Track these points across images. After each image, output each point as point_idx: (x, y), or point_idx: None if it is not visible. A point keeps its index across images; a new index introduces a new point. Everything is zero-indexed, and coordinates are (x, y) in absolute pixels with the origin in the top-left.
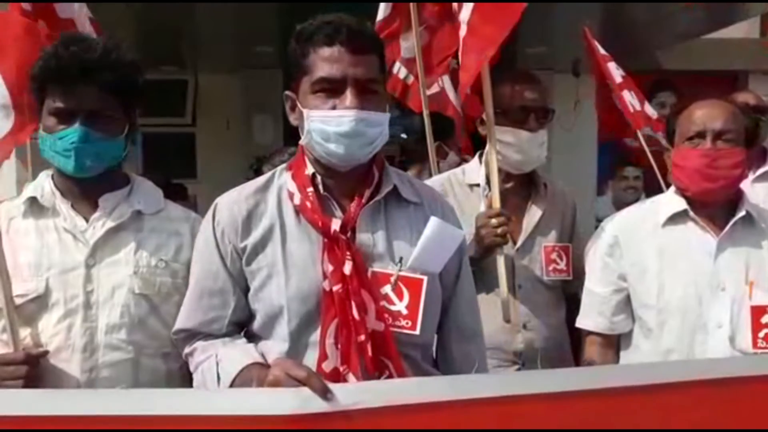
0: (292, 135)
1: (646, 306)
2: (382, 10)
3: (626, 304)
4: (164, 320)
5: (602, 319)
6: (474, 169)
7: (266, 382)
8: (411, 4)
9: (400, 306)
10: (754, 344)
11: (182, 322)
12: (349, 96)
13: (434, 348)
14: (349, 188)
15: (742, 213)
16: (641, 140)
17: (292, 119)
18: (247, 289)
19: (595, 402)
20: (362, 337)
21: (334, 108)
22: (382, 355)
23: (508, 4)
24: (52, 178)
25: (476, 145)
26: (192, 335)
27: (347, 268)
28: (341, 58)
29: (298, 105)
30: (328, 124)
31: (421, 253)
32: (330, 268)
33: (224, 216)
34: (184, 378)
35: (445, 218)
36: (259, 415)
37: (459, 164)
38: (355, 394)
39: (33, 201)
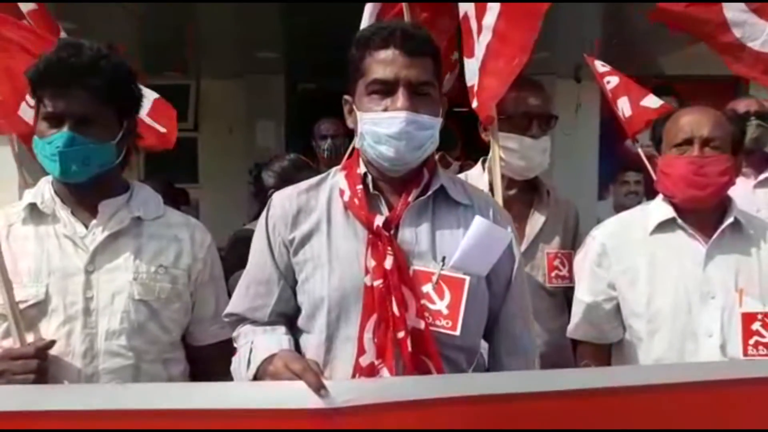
0: (294, 140)
1: (636, 314)
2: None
3: (616, 313)
4: (164, 326)
5: (592, 328)
6: (477, 176)
7: (268, 372)
8: (403, 4)
9: (441, 305)
10: (745, 352)
11: (231, 306)
12: (400, 98)
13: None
14: (398, 188)
15: (730, 220)
16: (638, 146)
17: (349, 122)
18: (294, 282)
19: (587, 402)
20: (401, 334)
21: (386, 110)
22: (422, 354)
23: (530, 6)
24: (52, 184)
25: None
26: (239, 320)
27: (388, 263)
28: (395, 61)
29: (354, 108)
30: (380, 126)
31: (464, 252)
32: (372, 263)
33: (277, 211)
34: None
35: (496, 223)
36: (250, 408)
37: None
38: (350, 391)
39: (33, 207)
